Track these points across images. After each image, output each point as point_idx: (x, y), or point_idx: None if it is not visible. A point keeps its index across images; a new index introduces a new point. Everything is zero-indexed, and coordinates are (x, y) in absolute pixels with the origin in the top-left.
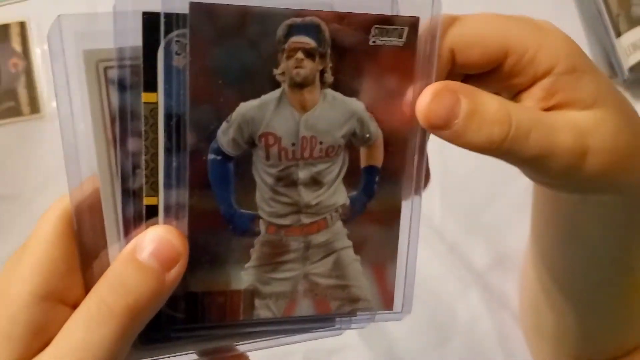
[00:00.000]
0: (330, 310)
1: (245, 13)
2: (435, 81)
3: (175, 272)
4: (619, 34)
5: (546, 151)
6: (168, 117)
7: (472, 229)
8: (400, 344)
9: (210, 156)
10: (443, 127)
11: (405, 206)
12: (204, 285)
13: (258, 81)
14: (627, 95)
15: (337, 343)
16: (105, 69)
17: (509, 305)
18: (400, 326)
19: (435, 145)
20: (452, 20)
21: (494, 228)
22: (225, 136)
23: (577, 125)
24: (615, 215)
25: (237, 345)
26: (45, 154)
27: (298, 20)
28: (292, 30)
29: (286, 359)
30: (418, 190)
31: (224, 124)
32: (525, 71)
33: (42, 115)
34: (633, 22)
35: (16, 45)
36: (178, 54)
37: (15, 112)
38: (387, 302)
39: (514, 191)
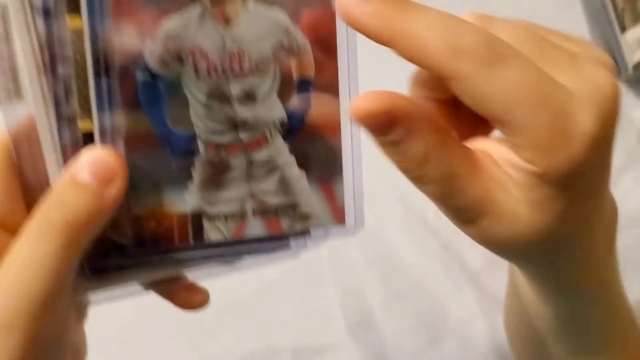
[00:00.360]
0: (282, 230)
1: None
2: None
3: (115, 189)
4: (623, 29)
5: (443, 198)
6: (94, 40)
7: None
8: (392, 344)
9: (140, 77)
10: (369, 134)
11: (345, 116)
12: (148, 209)
13: None
14: (630, 93)
15: (327, 342)
16: None
17: (502, 305)
18: (392, 325)
19: None
20: (483, 56)
21: None
22: (152, 55)
23: (490, 183)
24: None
25: (189, 272)
26: None
27: None
28: None
29: (274, 357)
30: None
31: (149, 42)
32: (506, 140)
33: None
34: (638, 18)
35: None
36: None
37: None
38: (338, 218)
39: None
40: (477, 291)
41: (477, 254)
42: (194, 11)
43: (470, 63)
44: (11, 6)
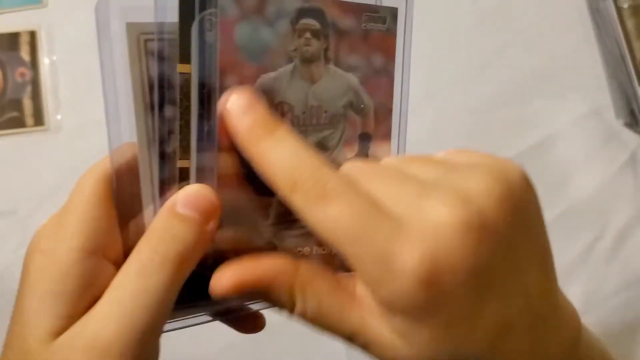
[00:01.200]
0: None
1: None
2: None
3: (214, 224)
4: None
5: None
6: (200, 86)
7: None
8: None
9: None
10: None
11: None
12: (231, 243)
13: (275, 56)
14: None
15: None
16: (146, 41)
17: None
18: None
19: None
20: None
21: None
22: None
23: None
24: None
25: (248, 304)
26: (46, 169)
27: (306, 5)
28: (301, 13)
29: None
30: (403, 150)
31: None
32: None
33: (46, 128)
34: None
35: (25, 54)
36: (209, 30)
37: (18, 122)
38: None
39: None
40: None
41: None
42: (286, 69)
43: (301, 197)
44: (127, 48)
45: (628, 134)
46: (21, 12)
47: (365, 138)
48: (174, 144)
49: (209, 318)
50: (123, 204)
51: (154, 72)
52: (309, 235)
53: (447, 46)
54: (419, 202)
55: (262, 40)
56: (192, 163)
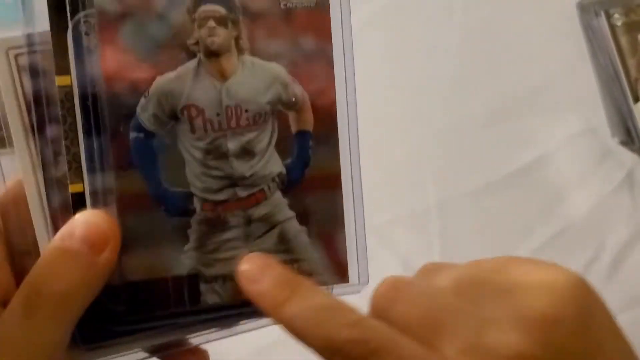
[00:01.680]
0: None
1: None
2: None
3: (107, 255)
4: (637, 99)
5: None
6: (83, 98)
7: None
8: None
9: (132, 134)
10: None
11: (345, 169)
12: (143, 273)
13: (172, 53)
14: None
15: None
16: (16, 56)
17: None
18: None
19: (435, 210)
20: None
21: None
22: (145, 112)
23: None
24: None
25: (189, 338)
26: None
27: None
28: None
29: None
30: (355, 152)
31: (142, 100)
32: None
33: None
34: None
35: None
36: (87, 34)
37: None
38: (341, 274)
39: None
40: None
41: None
42: (188, 67)
43: None
44: None
45: (624, 153)
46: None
47: (303, 136)
48: (62, 167)
49: (144, 355)
50: (14, 238)
51: (29, 89)
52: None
53: (438, 62)
54: (511, 302)
55: (152, 37)
56: (86, 186)
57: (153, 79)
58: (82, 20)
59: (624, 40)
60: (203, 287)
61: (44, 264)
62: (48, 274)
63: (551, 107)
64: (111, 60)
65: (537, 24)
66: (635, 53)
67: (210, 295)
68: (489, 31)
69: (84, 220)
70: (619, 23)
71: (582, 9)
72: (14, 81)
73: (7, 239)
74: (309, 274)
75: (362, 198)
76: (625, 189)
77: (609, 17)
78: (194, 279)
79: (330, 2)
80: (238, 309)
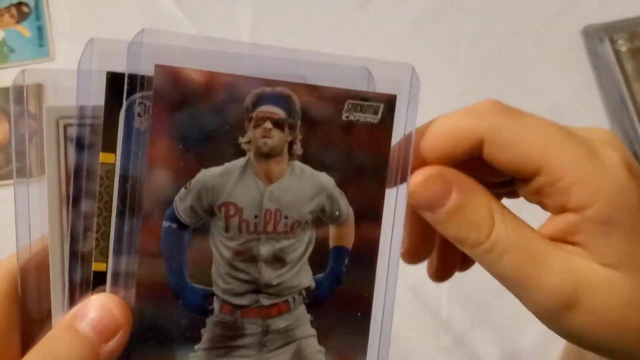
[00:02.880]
0: None
1: (212, 79)
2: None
3: (114, 344)
4: None
5: (519, 280)
6: (124, 179)
7: (481, 321)
8: None
9: (165, 223)
10: (426, 212)
11: (378, 294)
12: None
13: (221, 148)
14: None
15: None
16: (66, 126)
17: None
18: None
19: None
20: (497, 112)
21: (504, 321)
22: (182, 203)
23: (575, 272)
24: None
25: None
26: None
27: (268, 89)
28: (260, 99)
29: None
30: (393, 281)
31: (182, 190)
32: (553, 197)
33: None
34: None
35: (32, 107)
36: (140, 116)
37: (23, 173)
38: None
39: None
40: None
41: (491, 350)
42: (235, 164)
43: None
44: (45, 133)
45: None
46: (30, 66)
47: (339, 252)
48: (90, 244)
49: None
50: (29, 305)
51: (72, 161)
52: None
53: (445, 97)
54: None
55: (205, 128)
56: (109, 267)
57: (197, 171)
58: (137, 102)
59: (629, 66)
60: None
61: (49, 341)
62: (49, 355)
63: None
64: (158, 145)
65: (543, 53)
66: None
67: None
68: (496, 64)
69: (99, 303)
70: (623, 49)
71: (587, 36)
72: (59, 150)
73: (23, 305)
74: None
75: (390, 326)
76: None
77: (613, 43)
78: None
79: (394, 122)
80: None
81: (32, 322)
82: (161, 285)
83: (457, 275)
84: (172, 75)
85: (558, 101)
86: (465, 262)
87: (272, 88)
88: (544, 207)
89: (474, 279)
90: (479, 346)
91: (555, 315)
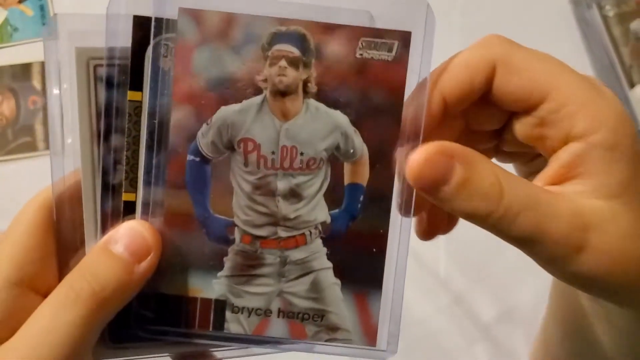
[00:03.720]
0: (306, 337)
1: (230, 19)
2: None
3: (146, 265)
4: (632, 86)
5: (534, 236)
6: (151, 115)
7: (479, 280)
8: None
9: (189, 157)
10: (431, 192)
11: (393, 232)
12: (175, 288)
13: (240, 86)
14: None
15: None
16: (95, 66)
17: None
18: None
19: None
20: (504, 43)
21: (501, 280)
22: (204, 138)
23: (581, 215)
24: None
25: (213, 350)
26: None
27: (283, 28)
28: (276, 38)
29: None
30: (407, 215)
31: (204, 126)
32: (558, 125)
33: None
34: None
35: (37, 83)
36: (165, 56)
37: (30, 147)
38: (369, 337)
39: None
40: (490, 346)
41: (489, 308)
42: (253, 102)
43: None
44: (75, 74)
45: None
46: (34, 44)
47: (354, 189)
48: (120, 176)
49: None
50: (64, 234)
51: (102, 99)
52: (274, 295)
53: (438, 62)
54: None
55: (224, 68)
56: (138, 197)
57: (217, 108)
58: (162, 43)
59: (616, 31)
60: (229, 315)
61: (86, 263)
62: (88, 274)
63: None
64: (182, 84)
65: (533, 21)
66: (628, 42)
67: (234, 325)
68: (486, 28)
69: (130, 228)
70: (610, 14)
71: (575, 3)
72: (89, 90)
73: (58, 234)
74: (336, 328)
75: (405, 265)
76: None
77: (601, 9)
78: (221, 305)
79: (409, 59)
80: (258, 344)
81: (67, 250)
82: (186, 215)
83: (454, 236)
84: (195, 16)
85: None
86: (450, 222)
87: (287, 27)
88: (541, 146)
89: (471, 239)
90: (477, 304)
91: (567, 261)
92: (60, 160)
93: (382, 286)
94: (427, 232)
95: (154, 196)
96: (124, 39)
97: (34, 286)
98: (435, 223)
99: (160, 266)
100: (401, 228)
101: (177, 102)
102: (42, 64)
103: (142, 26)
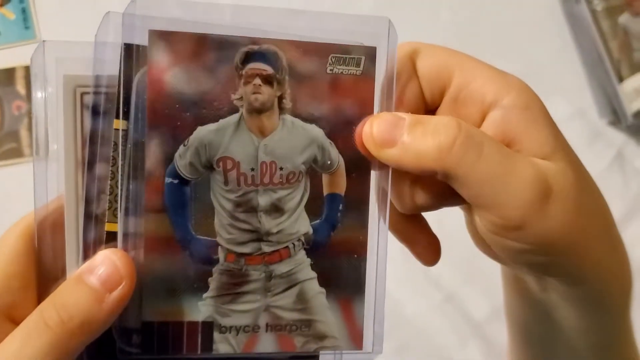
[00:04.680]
0: (295, 348)
1: (202, 40)
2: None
3: (118, 295)
4: (621, 80)
5: (502, 175)
6: (135, 144)
7: (470, 277)
8: None
9: (167, 179)
10: (390, 144)
11: (372, 237)
12: (160, 315)
13: (216, 105)
14: (632, 141)
15: None
16: (82, 94)
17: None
18: None
19: None
20: (415, 51)
21: (493, 276)
22: (182, 159)
23: (537, 163)
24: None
25: None
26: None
27: (255, 47)
28: (249, 57)
29: None
30: (384, 221)
31: (181, 148)
32: (471, 100)
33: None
34: (635, 68)
35: (20, 88)
36: None
37: (16, 153)
38: (356, 341)
39: None
40: (482, 344)
41: (481, 304)
42: (230, 120)
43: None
44: (62, 101)
45: (612, 132)
46: (16, 48)
47: (333, 199)
48: (103, 205)
49: None
50: (45, 262)
51: (88, 127)
52: (260, 310)
53: None
54: None
55: (199, 88)
56: (119, 227)
57: (194, 128)
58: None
59: (605, 25)
60: (217, 336)
61: (58, 292)
62: (58, 304)
63: (539, 92)
64: (156, 106)
65: (522, 16)
66: (616, 35)
67: (222, 345)
68: (476, 27)
69: (103, 257)
70: (599, 8)
71: None
72: (75, 117)
73: (39, 262)
74: (323, 336)
75: (385, 268)
76: (616, 167)
77: (589, 3)
78: (208, 327)
79: (375, 72)
80: None
81: (47, 279)
82: (168, 238)
83: (445, 233)
84: (165, 38)
85: (537, 62)
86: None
87: (259, 45)
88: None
89: (462, 237)
90: (469, 302)
91: (536, 208)
92: (44, 186)
93: (365, 290)
94: (424, 256)
95: (135, 226)
96: (110, 68)
97: (11, 315)
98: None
99: (143, 294)
100: (379, 232)
101: (152, 124)
102: (26, 69)
103: (130, 55)
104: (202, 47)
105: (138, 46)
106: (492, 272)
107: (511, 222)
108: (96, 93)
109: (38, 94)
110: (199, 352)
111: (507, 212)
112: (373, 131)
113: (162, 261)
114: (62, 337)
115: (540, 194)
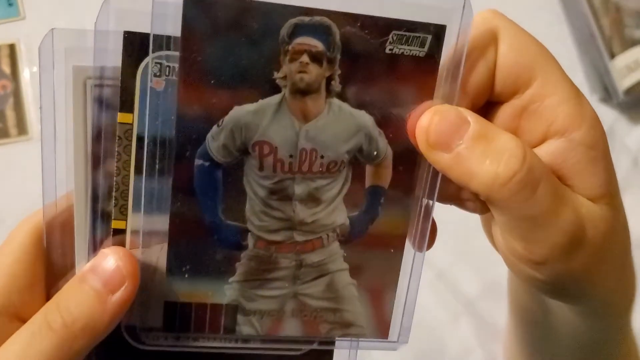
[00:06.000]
0: (319, 333)
1: (245, 7)
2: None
3: (120, 295)
4: (612, 56)
5: (543, 217)
6: (139, 139)
7: (462, 255)
8: None
9: (197, 161)
10: (444, 148)
11: (411, 232)
12: (184, 296)
13: (255, 84)
14: (623, 118)
15: None
16: (93, 86)
17: (501, 335)
18: (387, 357)
19: None
20: (494, 31)
21: (484, 254)
22: (215, 141)
23: (580, 206)
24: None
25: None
26: (32, 177)
27: (306, 19)
28: (298, 30)
29: None
30: (427, 216)
31: (215, 128)
32: (540, 118)
33: (30, 137)
34: (627, 44)
35: (5, 67)
36: (157, 76)
37: (2, 133)
38: (382, 330)
39: None
40: (473, 321)
41: (472, 282)
42: (270, 102)
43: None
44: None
45: (603, 109)
46: (0, 26)
47: (375, 192)
48: (111, 203)
49: None
50: (53, 261)
51: (97, 121)
52: (288, 297)
53: None
54: None
55: (238, 63)
56: (128, 225)
57: (230, 108)
58: (154, 62)
59: (597, 1)
60: (240, 318)
61: (61, 294)
62: (60, 303)
63: None
64: (189, 81)
65: None
66: (608, 13)
67: (245, 327)
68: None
69: (107, 257)
70: None
71: None
72: (85, 110)
73: (48, 259)
74: (349, 324)
75: (422, 263)
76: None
77: None
78: (233, 310)
79: (440, 55)
80: (271, 344)
81: (56, 277)
82: (195, 221)
83: (437, 210)
84: (202, 4)
85: None
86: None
87: (311, 17)
88: (526, 136)
89: (454, 214)
90: (460, 279)
91: (563, 251)
92: (53, 183)
93: (398, 284)
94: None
95: (143, 224)
96: (115, 58)
97: (19, 313)
98: None
99: (167, 274)
100: (419, 225)
101: (184, 101)
102: (11, 47)
103: (131, 45)
104: (244, 16)
105: (140, 34)
106: (484, 249)
107: (534, 256)
108: (100, 85)
109: (46, 87)
110: (221, 332)
111: (534, 248)
112: (430, 128)
113: (188, 243)
114: (65, 340)
115: (573, 239)
